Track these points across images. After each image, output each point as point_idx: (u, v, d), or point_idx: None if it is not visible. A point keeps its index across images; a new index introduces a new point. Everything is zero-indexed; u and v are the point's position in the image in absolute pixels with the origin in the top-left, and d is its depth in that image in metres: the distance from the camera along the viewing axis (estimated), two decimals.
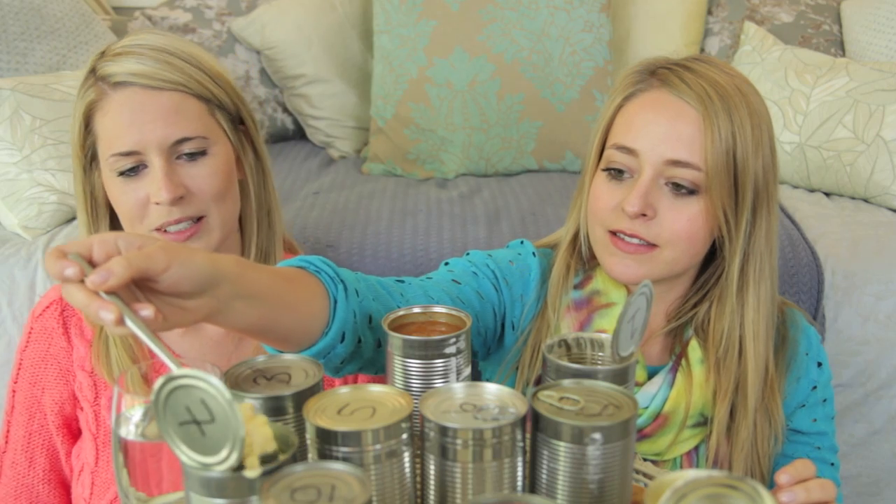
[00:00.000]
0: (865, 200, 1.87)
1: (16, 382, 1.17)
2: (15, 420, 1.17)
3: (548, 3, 1.98)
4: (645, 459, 1.03)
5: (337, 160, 2.12)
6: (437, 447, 0.60)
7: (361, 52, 2.20)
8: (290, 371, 0.69)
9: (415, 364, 0.72)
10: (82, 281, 0.61)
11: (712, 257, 1.04)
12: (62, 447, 1.17)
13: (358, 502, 0.52)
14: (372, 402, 0.62)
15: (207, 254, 0.68)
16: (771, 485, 0.97)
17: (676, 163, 0.96)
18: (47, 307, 1.16)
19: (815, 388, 1.08)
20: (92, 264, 0.63)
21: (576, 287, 1.06)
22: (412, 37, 1.97)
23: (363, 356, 0.85)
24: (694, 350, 1.03)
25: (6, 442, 1.18)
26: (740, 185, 0.97)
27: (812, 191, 1.93)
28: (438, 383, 0.72)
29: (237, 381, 0.68)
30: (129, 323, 0.61)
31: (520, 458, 0.61)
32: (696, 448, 1.04)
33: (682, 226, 0.97)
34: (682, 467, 1.04)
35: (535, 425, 0.61)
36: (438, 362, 0.72)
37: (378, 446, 0.59)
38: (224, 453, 0.53)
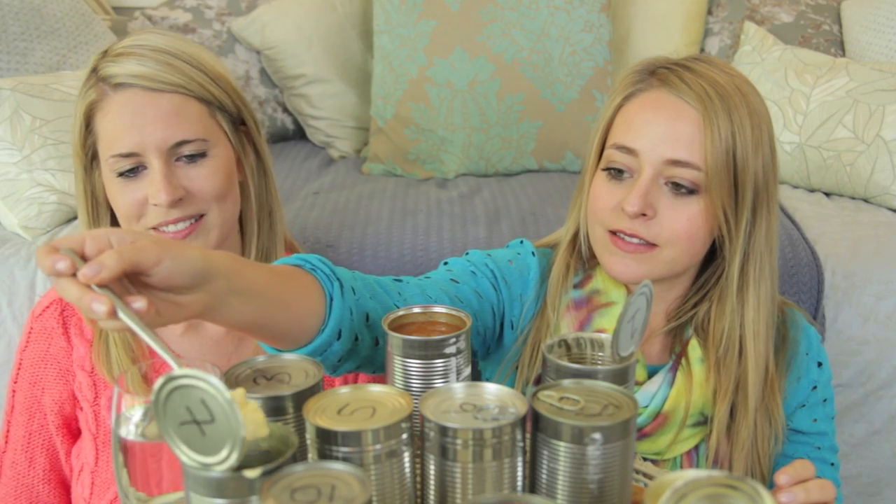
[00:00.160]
0: (865, 200, 1.87)
1: (16, 382, 1.17)
2: (15, 420, 1.17)
3: (548, 3, 1.98)
4: (645, 459, 1.03)
5: (337, 160, 2.12)
6: (437, 447, 0.60)
7: (361, 52, 2.20)
8: (290, 371, 0.69)
9: (415, 364, 0.72)
10: (75, 275, 0.61)
11: (712, 257, 1.04)
12: (62, 447, 1.17)
13: (358, 502, 0.52)
14: (372, 402, 0.62)
15: (200, 248, 0.68)
16: (771, 485, 0.97)
17: (676, 162, 0.96)
18: (47, 307, 1.16)
19: (815, 387, 1.08)
20: (84, 260, 0.63)
21: (575, 286, 1.06)
22: (412, 37, 1.97)
23: (360, 354, 0.85)
24: (694, 349, 1.03)
25: (6, 442, 1.18)
26: (740, 185, 0.97)
27: (812, 191, 1.93)
28: (438, 383, 0.72)
29: (237, 381, 0.68)
30: (121, 315, 0.61)
31: (520, 458, 0.61)
32: (696, 447, 1.04)
33: (682, 225, 0.97)
34: (681, 467, 1.04)
35: (535, 425, 0.61)
36: (438, 362, 0.72)
37: (378, 446, 0.59)
38: (224, 453, 0.53)
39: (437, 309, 0.77)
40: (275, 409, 0.64)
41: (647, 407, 1.01)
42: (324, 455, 0.59)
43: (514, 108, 1.96)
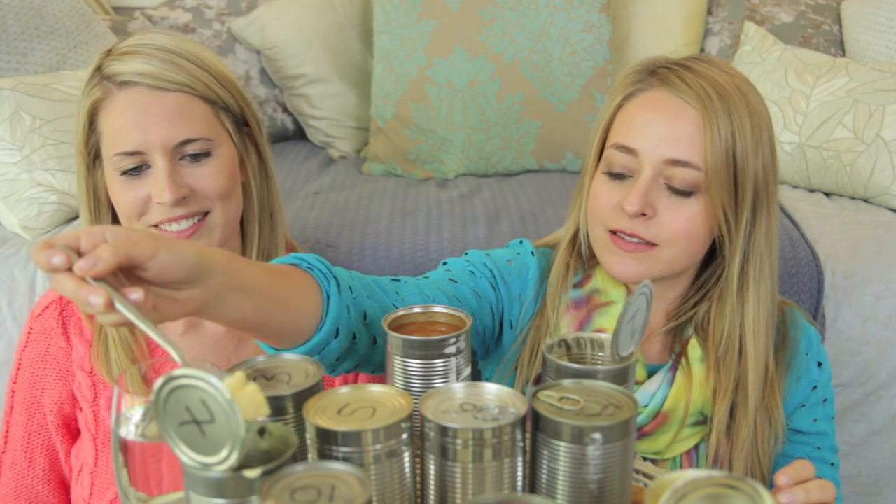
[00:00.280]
0: (865, 200, 1.87)
1: (15, 382, 1.17)
2: (14, 420, 1.17)
3: (548, 3, 1.98)
4: (644, 458, 1.03)
5: (337, 160, 2.12)
6: (437, 447, 0.60)
7: (361, 52, 2.20)
8: (290, 371, 0.69)
9: (415, 364, 0.72)
10: (72, 270, 0.61)
11: (712, 256, 1.04)
12: (61, 447, 1.17)
13: (358, 502, 0.52)
14: (372, 402, 0.62)
15: (195, 244, 0.68)
16: (771, 485, 0.97)
17: (676, 162, 0.96)
18: (47, 307, 1.16)
19: (815, 387, 1.08)
20: (80, 256, 0.63)
21: (575, 286, 1.06)
22: (412, 37, 1.97)
23: (358, 353, 0.85)
24: (694, 349, 1.03)
25: (6, 442, 1.18)
26: (740, 185, 0.97)
27: (812, 191, 1.93)
28: (438, 383, 0.72)
29: None
30: (119, 306, 0.61)
31: (520, 458, 0.61)
32: (696, 447, 1.04)
33: (682, 225, 0.97)
34: (681, 466, 1.04)
35: (535, 425, 0.61)
36: (438, 362, 0.72)
37: (378, 446, 0.59)
38: (224, 453, 0.53)
39: (437, 309, 0.77)
40: (275, 409, 0.64)
41: (646, 406, 1.01)
42: (324, 455, 0.59)
43: (514, 108, 1.96)
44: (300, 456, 0.61)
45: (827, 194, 1.92)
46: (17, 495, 1.17)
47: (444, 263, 1.06)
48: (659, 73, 1.00)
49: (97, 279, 0.61)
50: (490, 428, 0.58)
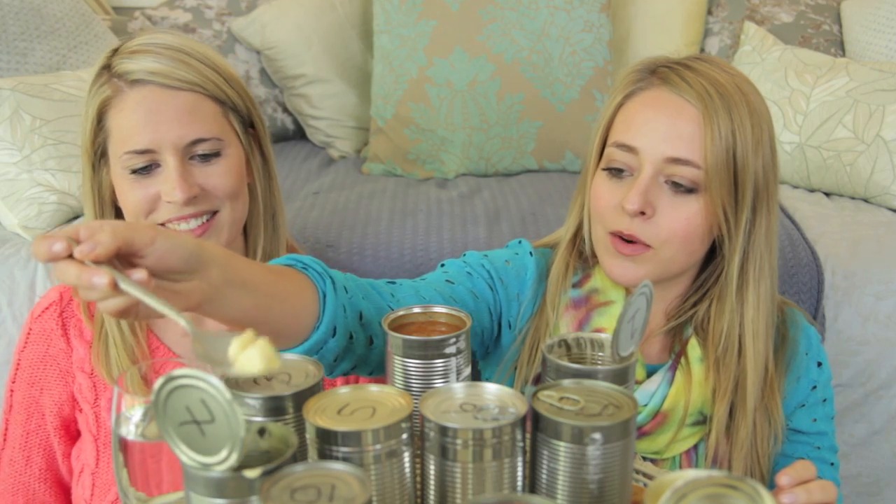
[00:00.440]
0: (865, 200, 1.87)
1: (14, 382, 1.17)
2: (13, 419, 1.17)
3: (548, 3, 1.98)
4: (644, 458, 1.03)
5: (337, 160, 2.12)
6: (437, 447, 0.60)
7: (361, 52, 2.20)
8: (291, 371, 0.69)
9: (415, 364, 0.72)
10: (72, 257, 0.62)
11: (712, 256, 1.04)
12: (59, 448, 1.17)
13: (358, 502, 0.52)
14: (372, 402, 0.62)
15: (193, 236, 0.69)
16: (771, 485, 0.97)
17: (676, 160, 0.96)
18: (46, 308, 1.16)
19: (814, 387, 1.08)
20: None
21: (574, 285, 1.06)
22: (412, 37, 1.97)
23: (355, 353, 0.85)
24: (693, 348, 1.03)
25: (4, 439, 1.18)
26: (740, 184, 0.97)
27: (812, 191, 1.93)
28: (438, 383, 0.72)
29: (237, 381, 0.68)
30: (123, 285, 0.61)
31: (520, 458, 0.61)
32: (696, 447, 1.04)
33: (680, 224, 0.97)
34: (681, 466, 1.04)
35: (535, 425, 0.61)
36: (438, 362, 0.72)
37: (378, 446, 0.59)
38: (224, 453, 0.53)
39: (437, 309, 0.78)
40: (275, 409, 0.64)
41: (646, 406, 1.01)
42: (324, 455, 0.59)
43: (514, 108, 1.96)
44: (300, 456, 0.61)
45: (827, 194, 1.92)
46: (15, 492, 1.18)
47: (442, 265, 1.06)
48: (659, 72, 1.00)
49: (98, 263, 0.62)
50: (490, 428, 0.58)
